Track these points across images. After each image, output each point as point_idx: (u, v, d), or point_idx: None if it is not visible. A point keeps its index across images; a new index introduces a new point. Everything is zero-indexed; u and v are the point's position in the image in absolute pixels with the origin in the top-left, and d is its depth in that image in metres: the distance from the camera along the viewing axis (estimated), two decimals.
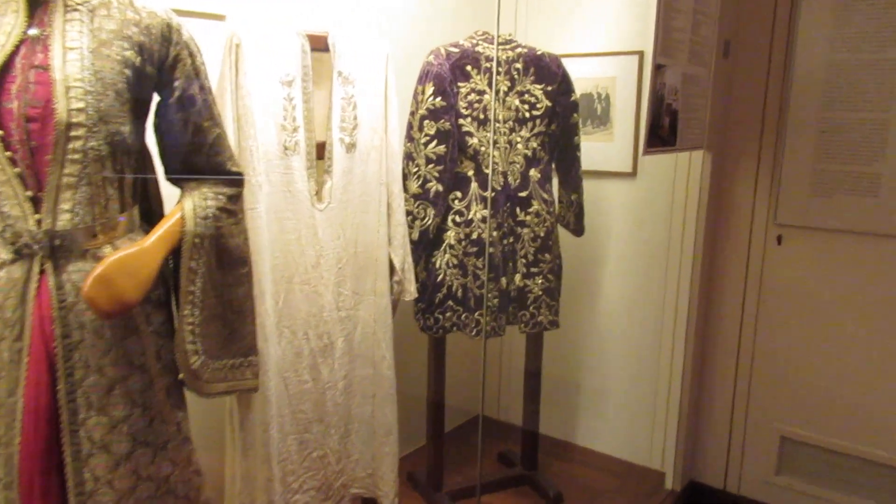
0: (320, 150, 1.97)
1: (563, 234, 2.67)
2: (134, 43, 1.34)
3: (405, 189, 2.34)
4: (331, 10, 2.29)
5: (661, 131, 2.17)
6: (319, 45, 1.93)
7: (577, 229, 2.70)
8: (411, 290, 2.25)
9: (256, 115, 1.81)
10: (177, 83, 1.41)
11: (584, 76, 2.88)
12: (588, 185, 2.79)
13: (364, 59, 2.02)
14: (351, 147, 2.02)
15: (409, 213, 2.32)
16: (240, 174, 1.53)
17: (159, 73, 1.40)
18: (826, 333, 2.53)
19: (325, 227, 2.00)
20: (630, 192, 2.88)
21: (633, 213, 2.89)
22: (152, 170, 1.52)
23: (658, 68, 2.05)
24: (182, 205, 1.46)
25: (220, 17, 2.02)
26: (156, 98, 1.45)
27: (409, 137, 2.33)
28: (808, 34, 2.44)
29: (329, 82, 1.96)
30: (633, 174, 2.85)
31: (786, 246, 2.58)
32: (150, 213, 1.51)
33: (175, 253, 1.45)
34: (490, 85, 2.38)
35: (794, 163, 2.52)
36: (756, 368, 2.70)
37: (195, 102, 1.43)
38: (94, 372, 1.33)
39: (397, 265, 2.18)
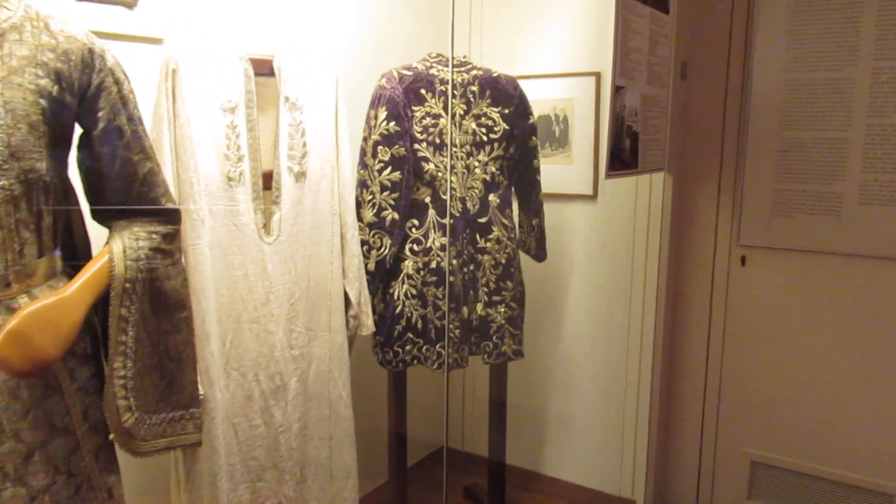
0: (267, 181, 1.86)
1: (525, 260, 2.59)
2: (50, 70, 1.22)
3: (359, 218, 2.24)
4: (277, 33, 2.19)
5: (623, 154, 2.11)
6: (264, 69, 1.82)
7: (539, 255, 2.62)
8: (368, 325, 2.14)
9: (196, 144, 1.69)
10: (101, 113, 1.29)
11: (541, 98, 2.82)
12: (548, 209, 2.72)
13: (313, 84, 1.92)
14: (300, 176, 1.91)
15: (364, 242, 2.22)
16: (176, 210, 1.41)
17: (81, 103, 1.28)
18: (793, 354, 2.49)
19: (274, 262, 1.88)
20: (591, 215, 2.82)
21: (595, 236, 2.83)
22: (77, 208, 1.39)
23: (618, 90, 2.00)
24: (110, 246, 1.33)
25: (157, 41, 1.90)
26: (78, 130, 1.33)
27: (363, 164, 2.23)
28: (764, 54, 2.43)
29: (275, 108, 1.86)
30: (593, 197, 2.79)
31: (750, 267, 2.55)
32: (76, 257, 1.38)
33: (103, 300, 1.32)
34: (446, 108, 2.30)
35: (755, 183, 2.49)
36: (724, 392, 2.65)
37: (123, 134, 1.31)
38: (10, 438, 1.19)
39: (353, 298, 2.07)
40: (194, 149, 1.69)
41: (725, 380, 2.64)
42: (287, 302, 1.93)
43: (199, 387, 1.60)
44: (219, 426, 1.78)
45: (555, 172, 2.84)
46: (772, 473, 2.60)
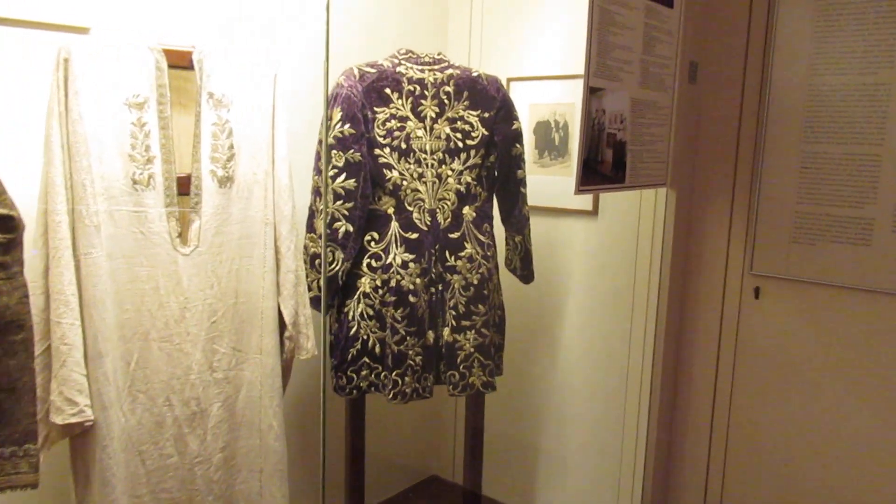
0: (185, 185, 1.67)
1: (514, 280, 2.34)
2: None
3: (311, 229, 2.04)
4: (201, 22, 1.98)
5: (601, 166, 1.84)
6: (181, 61, 1.64)
7: (525, 275, 2.36)
8: (308, 348, 1.93)
9: (92, 142, 1.52)
10: None
11: (539, 102, 2.56)
12: (544, 224, 2.47)
13: (243, 80, 1.73)
14: (225, 181, 1.72)
15: (315, 256, 2.02)
16: (10, 217, 1.23)
17: None
18: (810, 402, 2.15)
19: (191, 275, 1.69)
20: (591, 232, 2.53)
21: (594, 256, 2.54)
22: None
23: (592, 92, 1.73)
24: None
25: (83, 31, 1.75)
26: None
27: (316, 170, 2.03)
28: (786, 54, 2.10)
29: (197, 105, 1.67)
30: (594, 213, 2.51)
31: (764, 300, 2.22)
32: None
33: None
34: (415, 111, 2.08)
35: (771, 204, 2.16)
36: (732, 441, 2.32)
37: None
38: None
39: (287, 318, 1.86)
40: (89, 147, 1.52)
41: (733, 427, 2.31)
42: (208, 319, 1.74)
43: (65, 414, 1.42)
44: (114, 455, 1.60)
45: (553, 184, 2.57)
46: None
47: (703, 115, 2.27)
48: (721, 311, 2.30)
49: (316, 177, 2.03)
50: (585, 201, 2.51)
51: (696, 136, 2.28)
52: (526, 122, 2.58)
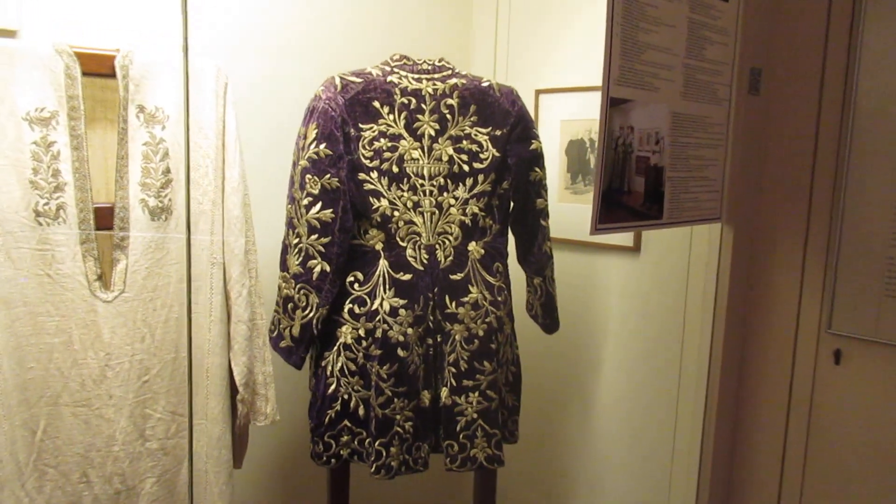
0: (105, 217, 1.38)
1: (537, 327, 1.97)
2: None
3: (285, 267, 1.72)
4: (126, 20, 1.67)
5: (628, 198, 1.45)
6: (100, 68, 1.36)
7: (547, 324, 1.98)
8: (266, 413, 1.61)
9: None
10: None
11: (572, 117, 2.18)
12: (576, 262, 2.09)
13: (182, 89, 1.43)
14: (159, 212, 1.42)
15: (288, 299, 1.70)
16: None
17: None
18: None
19: (115, 326, 1.40)
20: (631, 273, 2.13)
21: (635, 302, 2.13)
22: None
23: (613, 104, 1.34)
24: None
25: (9, 33, 1.49)
26: None
27: (290, 198, 1.71)
28: (877, 59, 1.66)
29: (122, 121, 1.38)
30: (635, 249, 2.10)
31: (846, 366, 1.76)
32: None
33: None
34: (409, 127, 1.74)
35: (856, 247, 1.71)
36: None
37: None
38: None
39: (238, 378, 1.55)
40: None
41: None
42: (137, 379, 1.44)
43: None
44: None
45: (588, 214, 2.17)
46: None
47: (768, 134, 1.84)
48: (790, 379, 1.85)
49: (289, 206, 1.72)
50: (626, 236, 2.11)
51: (760, 160, 1.86)
52: (557, 141, 2.21)
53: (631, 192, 1.44)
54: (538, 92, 2.26)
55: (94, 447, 1.41)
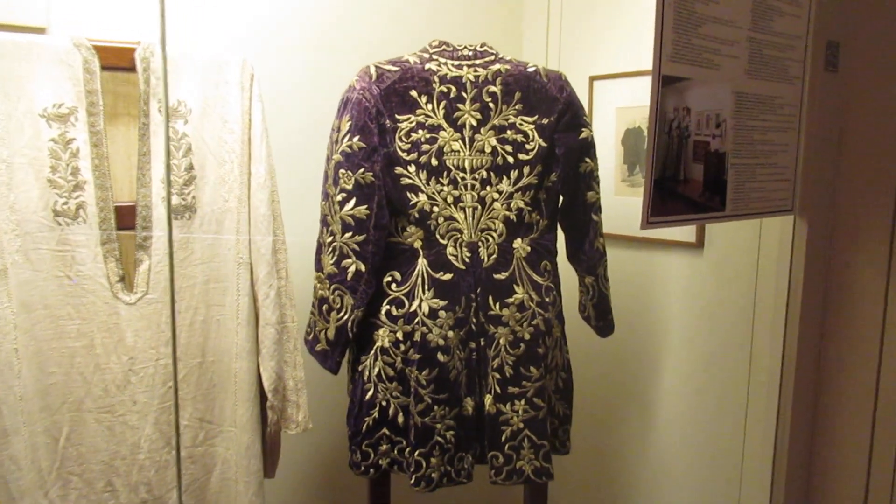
0: (127, 217, 1.33)
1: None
2: None
3: (319, 266, 1.64)
4: (147, 11, 1.58)
5: (685, 187, 1.30)
6: (120, 61, 1.31)
7: (600, 327, 1.84)
8: (298, 420, 1.53)
9: None
10: None
11: (629, 104, 2.03)
12: (633, 260, 1.96)
13: (207, 83, 1.37)
14: (184, 210, 1.36)
15: (323, 300, 1.62)
16: None
17: None
18: None
19: (139, 329, 1.35)
20: (694, 271, 1.97)
21: (699, 302, 1.97)
22: None
23: (666, 83, 1.21)
24: None
25: (38, 30, 1.46)
26: None
27: (324, 194, 1.63)
28: None
29: (143, 116, 1.32)
30: (697, 245, 1.94)
31: None
32: None
33: None
34: (448, 117, 1.63)
35: None
36: None
37: None
38: None
39: (267, 384, 1.48)
40: None
41: None
42: (162, 384, 1.38)
43: None
44: None
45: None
46: None
47: (847, 116, 1.66)
48: (875, 387, 1.66)
49: (323, 202, 1.64)
50: (687, 231, 1.95)
51: (839, 144, 1.67)
52: (613, 131, 2.07)
53: (688, 180, 1.30)
54: (592, 78, 2.12)
55: (119, 455, 1.36)
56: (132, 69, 1.31)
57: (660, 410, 2.08)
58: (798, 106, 1.55)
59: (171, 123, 1.33)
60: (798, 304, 1.67)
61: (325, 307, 1.63)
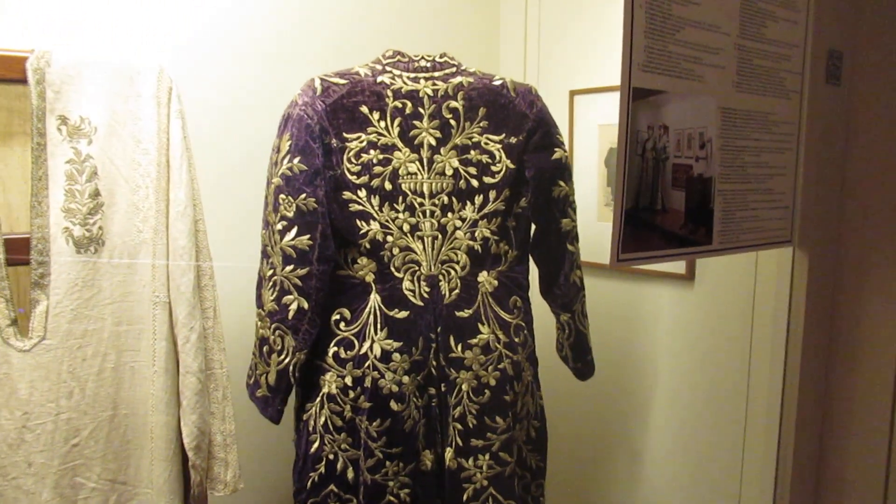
0: (19, 249, 1.15)
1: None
2: None
3: (260, 303, 1.47)
4: (46, 16, 1.41)
5: (662, 219, 1.12)
6: (10, 72, 1.14)
7: (579, 368, 1.65)
8: (227, 480, 1.35)
9: None
10: None
11: (612, 121, 1.86)
12: (618, 292, 1.78)
13: (116, 96, 1.20)
14: (87, 242, 1.19)
15: (264, 341, 1.44)
16: None
17: None
18: None
19: (34, 380, 1.17)
20: (686, 304, 1.78)
21: (690, 339, 1.78)
22: None
23: (636, 96, 1.03)
24: None
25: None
26: None
27: (265, 222, 1.46)
28: None
29: (38, 135, 1.15)
30: (688, 277, 1.76)
31: None
32: None
33: None
34: (404, 136, 1.46)
35: None
36: None
37: None
38: None
39: (187, 441, 1.29)
40: None
41: None
42: (64, 442, 1.20)
43: None
44: None
45: None
46: None
47: (852, 134, 1.47)
48: (889, 439, 1.47)
49: (263, 231, 1.46)
50: (677, 262, 1.76)
51: (841, 166, 1.49)
52: (595, 150, 1.89)
53: (667, 210, 1.12)
54: (573, 93, 1.95)
55: None
56: (23, 81, 1.14)
57: (648, 460, 1.88)
58: (796, 123, 1.37)
59: (74, 143, 1.16)
60: (799, 343, 1.48)
61: (265, 348, 1.45)
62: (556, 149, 1.52)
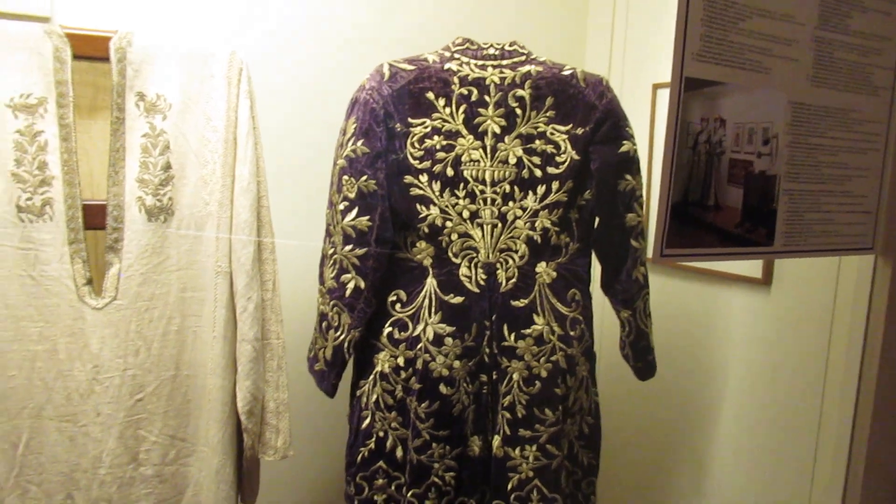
0: (96, 216, 1.25)
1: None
2: None
3: (321, 280, 1.52)
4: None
5: (715, 216, 1.08)
6: (94, 50, 1.23)
7: (639, 368, 1.61)
8: (277, 447, 1.41)
9: None
10: None
11: None
12: (688, 294, 1.72)
13: (190, 76, 1.28)
14: (159, 212, 1.27)
15: (323, 317, 1.50)
16: None
17: None
18: None
19: (105, 336, 1.26)
20: (760, 310, 1.70)
21: (764, 347, 1.69)
22: None
23: (688, 86, 0.99)
24: None
25: (42, 20, 1.42)
26: None
27: (329, 202, 1.51)
28: None
29: (117, 110, 1.24)
30: (764, 282, 1.67)
31: None
32: None
33: None
34: (468, 122, 1.46)
35: None
36: None
37: None
38: None
39: (240, 405, 1.36)
40: None
41: None
42: (129, 396, 1.29)
43: None
44: None
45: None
46: None
47: None
48: None
49: (328, 211, 1.51)
50: (753, 265, 1.68)
51: None
52: None
53: (720, 206, 1.07)
54: (656, 86, 1.89)
55: (80, 467, 1.28)
56: (106, 59, 1.23)
57: (713, 467, 1.81)
58: (884, 122, 1.27)
59: (150, 119, 1.25)
60: (876, 359, 1.38)
61: (324, 324, 1.51)
62: (625, 141, 1.49)
